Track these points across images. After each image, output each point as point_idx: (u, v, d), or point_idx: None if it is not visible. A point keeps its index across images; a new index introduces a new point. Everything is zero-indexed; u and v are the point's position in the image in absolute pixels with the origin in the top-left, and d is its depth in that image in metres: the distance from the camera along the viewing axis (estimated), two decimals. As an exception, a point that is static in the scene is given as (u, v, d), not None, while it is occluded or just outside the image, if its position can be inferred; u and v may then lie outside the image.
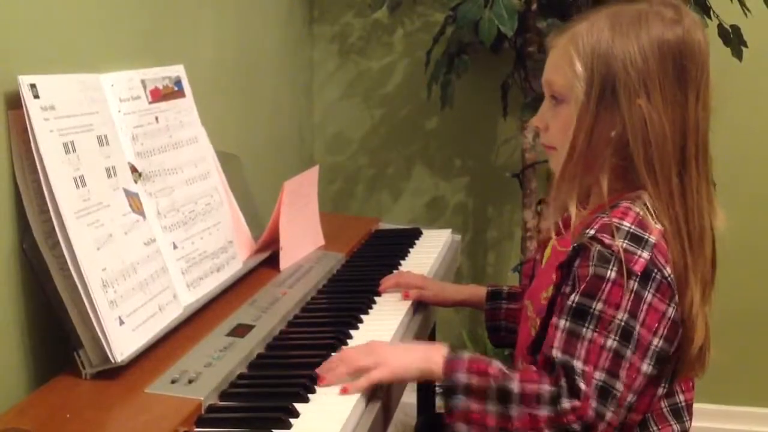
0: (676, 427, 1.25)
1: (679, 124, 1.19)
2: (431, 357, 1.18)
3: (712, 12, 2.25)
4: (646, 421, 1.23)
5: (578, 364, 1.10)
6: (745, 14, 2.28)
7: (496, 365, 1.15)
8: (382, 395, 1.21)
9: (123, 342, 1.19)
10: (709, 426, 2.56)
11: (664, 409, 1.24)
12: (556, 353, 1.12)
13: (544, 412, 1.10)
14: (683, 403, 1.26)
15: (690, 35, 1.20)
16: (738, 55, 2.28)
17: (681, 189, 1.20)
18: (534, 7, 2.29)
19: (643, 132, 1.18)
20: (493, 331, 1.59)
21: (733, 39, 2.27)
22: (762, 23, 2.34)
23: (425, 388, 2.07)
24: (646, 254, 1.15)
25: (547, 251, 1.36)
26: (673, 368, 1.21)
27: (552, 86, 1.26)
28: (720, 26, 2.26)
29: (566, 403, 1.09)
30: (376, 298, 1.57)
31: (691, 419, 1.27)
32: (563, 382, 1.10)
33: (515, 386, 1.12)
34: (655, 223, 1.18)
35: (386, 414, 1.24)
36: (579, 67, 1.20)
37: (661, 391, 1.22)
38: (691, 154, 1.20)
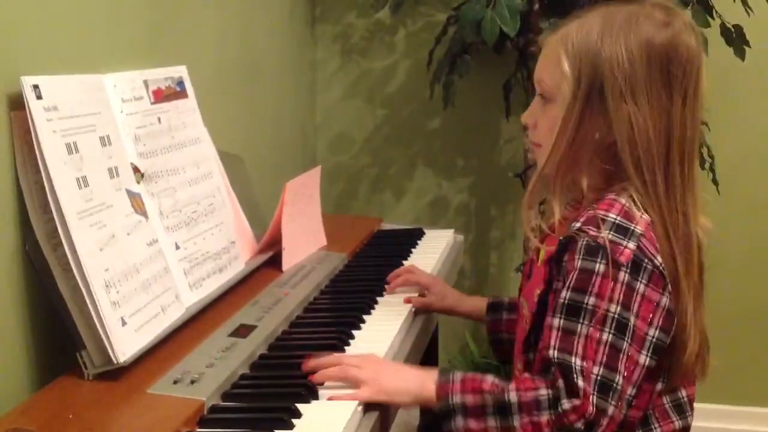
0: (678, 423, 1.25)
1: (663, 129, 1.19)
2: (424, 384, 1.17)
3: (714, 12, 2.25)
4: (647, 417, 1.23)
5: (576, 361, 1.10)
6: (748, 14, 2.28)
7: (490, 380, 1.14)
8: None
9: (125, 342, 1.19)
10: (709, 426, 2.56)
11: (666, 405, 1.24)
12: (553, 353, 1.12)
13: (545, 416, 1.09)
14: (685, 398, 1.26)
15: (679, 38, 1.20)
16: (741, 54, 2.28)
17: (666, 194, 1.20)
18: (536, 6, 2.29)
19: (630, 136, 1.18)
20: (497, 343, 1.57)
21: (736, 39, 2.27)
22: (765, 23, 2.33)
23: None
24: (632, 245, 1.15)
25: (542, 250, 1.35)
26: (668, 370, 1.21)
27: (541, 85, 1.26)
28: (723, 26, 2.26)
29: (566, 404, 1.09)
30: (379, 299, 1.57)
31: (692, 414, 1.27)
32: (561, 382, 1.10)
33: (513, 397, 1.11)
34: (642, 214, 1.18)
35: (388, 414, 1.24)
36: (567, 68, 1.20)
37: (659, 386, 1.22)
38: (675, 159, 1.20)
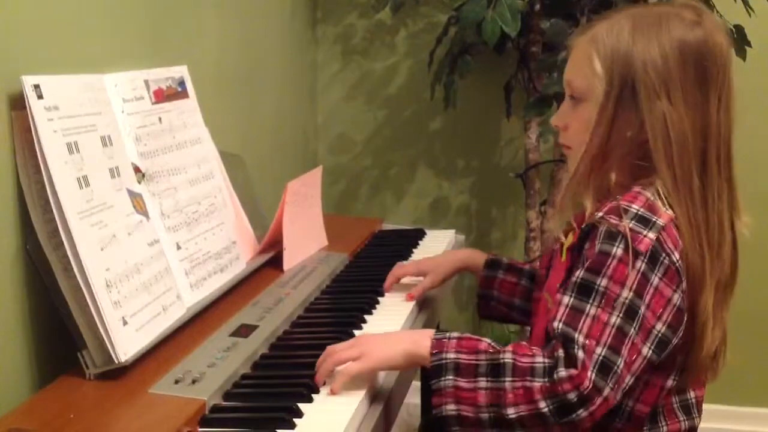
0: (685, 423, 1.25)
1: (699, 127, 1.20)
2: (418, 341, 1.18)
3: (715, 12, 2.25)
4: (655, 415, 1.23)
5: (579, 337, 1.10)
6: (749, 14, 2.28)
7: (486, 341, 1.15)
8: (384, 396, 1.21)
9: (127, 342, 1.19)
10: (717, 427, 2.55)
11: (675, 405, 1.24)
12: (558, 325, 1.12)
13: (538, 382, 1.09)
14: (693, 400, 1.26)
15: (711, 37, 1.21)
16: (742, 55, 2.27)
17: (702, 192, 1.20)
18: (537, 7, 2.29)
19: (664, 133, 1.18)
20: (484, 299, 1.57)
21: (737, 39, 2.26)
22: (766, 23, 2.33)
23: (429, 388, 2.06)
24: (652, 234, 1.15)
25: (566, 244, 1.35)
26: (682, 367, 1.21)
27: (572, 85, 1.27)
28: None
29: (563, 372, 1.08)
30: (380, 298, 1.57)
31: (700, 416, 1.27)
32: (560, 352, 1.09)
33: (507, 358, 1.11)
34: (666, 208, 1.18)
35: (389, 414, 1.24)
36: (599, 67, 1.21)
37: (669, 383, 1.21)
38: (712, 157, 1.21)
